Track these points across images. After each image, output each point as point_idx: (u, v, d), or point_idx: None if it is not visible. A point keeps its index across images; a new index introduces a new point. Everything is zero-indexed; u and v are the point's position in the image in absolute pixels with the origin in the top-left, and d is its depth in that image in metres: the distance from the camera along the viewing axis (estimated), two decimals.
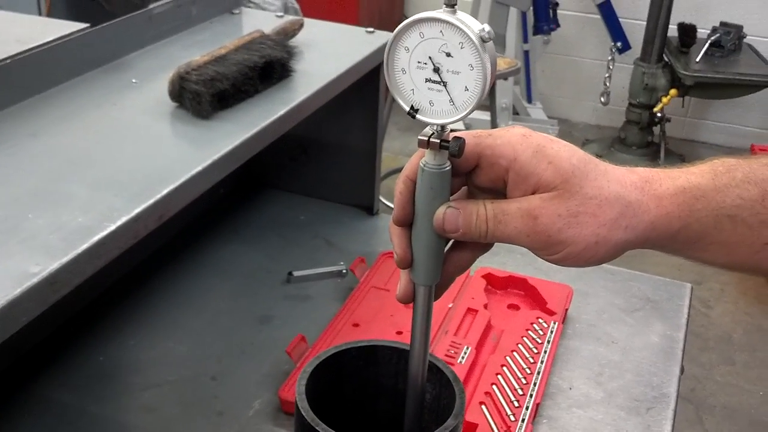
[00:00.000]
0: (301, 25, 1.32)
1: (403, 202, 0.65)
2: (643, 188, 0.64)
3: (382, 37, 1.37)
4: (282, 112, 1.09)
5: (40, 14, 2.43)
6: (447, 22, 0.59)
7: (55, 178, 0.88)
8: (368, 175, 1.51)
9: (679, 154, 4.01)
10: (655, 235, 0.64)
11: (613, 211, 0.62)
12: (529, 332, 1.18)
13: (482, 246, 0.68)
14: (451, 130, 0.63)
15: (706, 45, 3.72)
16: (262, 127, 1.05)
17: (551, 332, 1.19)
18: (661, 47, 3.74)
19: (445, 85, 0.61)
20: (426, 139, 0.63)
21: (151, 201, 0.86)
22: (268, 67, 1.14)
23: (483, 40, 0.59)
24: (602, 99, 3.94)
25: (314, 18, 1.41)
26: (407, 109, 0.63)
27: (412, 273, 0.67)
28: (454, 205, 0.64)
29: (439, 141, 0.62)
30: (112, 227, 0.81)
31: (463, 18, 0.60)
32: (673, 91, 3.69)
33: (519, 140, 0.64)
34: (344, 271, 1.33)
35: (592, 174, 0.63)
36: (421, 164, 0.64)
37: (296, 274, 1.32)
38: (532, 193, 0.63)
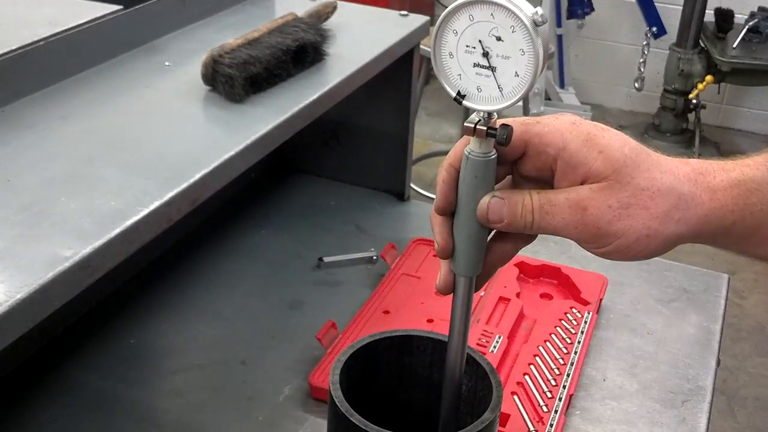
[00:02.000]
0: (334, 8, 1.31)
1: (446, 191, 0.64)
2: (697, 180, 0.62)
3: (416, 20, 1.36)
4: (315, 96, 1.08)
5: None
6: (498, 5, 0.57)
7: (87, 161, 0.88)
8: (399, 160, 1.50)
9: (715, 141, 3.95)
10: (708, 228, 0.62)
11: (666, 203, 0.60)
12: (563, 322, 1.17)
13: (526, 237, 0.66)
14: (497, 117, 0.62)
15: (744, 30, 3.65)
16: (295, 111, 1.04)
17: (585, 322, 1.17)
18: (697, 32, 3.67)
19: (494, 71, 0.59)
20: (472, 126, 0.61)
21: (183, 185, 0.85)
22: (301, 50, 1.13)
23: (536, 24, 0.57)
24: (636, 85, 3.89)
25: (347, 1, 1.40)
26: (453, 94, 0.61)
27: (452, 263, 0.66)
28: (499, 195, 0.62)
29: (485, 128, 0.60)
30: (145, 211, 0.80)
31: (515, 0, 0.58)
32: (709, 78, 3.63)
33: (568, 128, 0.62)
34: (375, 257, 1.32)
35: (644, 165, 0.61)
36: (466, 152, 0.62)
37: (327, 259, 1.31)
38: (581, 184, 0.61)
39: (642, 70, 3.85)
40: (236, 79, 1.02)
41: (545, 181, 0.64)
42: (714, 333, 1.21)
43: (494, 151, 0.62)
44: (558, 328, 1.15)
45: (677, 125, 3.87)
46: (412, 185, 1.59)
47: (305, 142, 1.51)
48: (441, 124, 4.05)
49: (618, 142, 0.61)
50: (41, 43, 1.00)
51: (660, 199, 0.60)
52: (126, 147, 0.92)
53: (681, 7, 3.69)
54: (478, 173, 0.62)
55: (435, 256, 1.32)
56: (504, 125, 0.61)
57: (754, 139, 4.15)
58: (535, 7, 0.58)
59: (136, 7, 1.15)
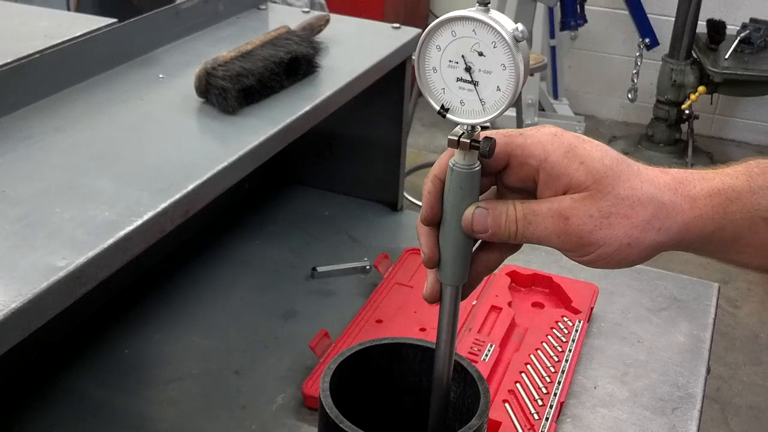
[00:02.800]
0: (327, 21, 1.32)
1: (432, 202, 0.65)
2: (677, 189, 0.63)
3: (408, 33, 1.37)
4: (307, 107, 1.09)
5: (68, 9, 2.44)
6: (480, 21, 0.59)
7: (81, 172, 0.89)
8: (393, 171, 1.51)
9: (708, 152, 3.97)
10: (689, 237, 0.63)
11: (646, 212, 0.62)
12: (554, 330, 1.18)
13: (511, 247, 0.67)
14: (481, 129, 0.63)
15: (736, 41, 3.68)
16: (288, 122, 1.05)
17: (576, 331, 1.18)
18: (689, 44, 3.70)
19: (476, 85, 0.61)
20: (456, 138, 0.62)
21: (177, 196, 0.86)
22: (294, 62, 1.14)
23: (516, 40, 0.58)
24: (629, 96, 3.91)
25: (340, 14, 1.41)
26: (437, 108, 0.62)
27: (439, 273, 0.67)
28: (483, 206, 0.64)
29: (469, 141, 0.62)
30: (139, 222, 0.81)
31: (496, 17, 0.59)
32: (701, 88, 3.65)
33: (550, 139, 0.63)
34: (368, 267, 1.33)
35: (624, 174, 0.62)
36: (450, 164, 0.63)
37: (320, 269, 1.32)
38: (563, 194, 0.62)
39: (635, 81, 3.88)
40: (229, 91, 1.04)
41: (529, 192, 0.65)
42: (704, 341, 1.22)
43: (478, 163, 0.63)
44: (549, 337, 1.16)
45: (670, 136, 3.89)
46: (406, 195, 1.61)
47: (299, 153, 1.53)
48: (435, 135, 4.06)
49: (598, 152, 0.62)
50: (37, 55, 1.01)
51: (640, 208, 0.62)
52: (120, 158, 0.93)
53: (673, 19, 3.72)
54: (463, 185, 0.63)
55: None
56: (487, 138, 0.62)
57: (747, 149, 4.17)
58: (526, 19, 0.59)
59: (131, 20, 1.16)
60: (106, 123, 1.01)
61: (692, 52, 3.74)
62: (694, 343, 1.21)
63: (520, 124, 3.31)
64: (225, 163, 0.94)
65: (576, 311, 1.22)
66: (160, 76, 1.14)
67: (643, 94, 3.97)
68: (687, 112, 3.73)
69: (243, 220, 1.47)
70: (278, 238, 1.43)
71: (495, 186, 0.67)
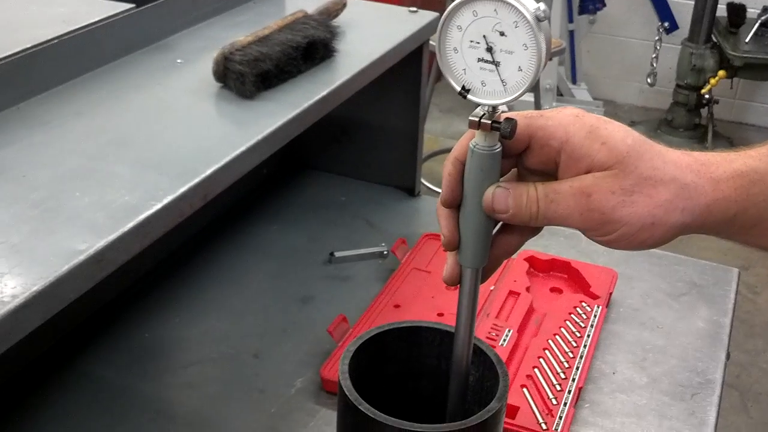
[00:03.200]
0: (344, 5, 1.31)
1: (452, 184, 0.65)
2: (699, 171, 0.63)
3: (425, 17, 1.36)
4: (325, 92, 1.09)
5: None
6: (502, 1, 0.58)
7: (100, 157, 0.89)
8: (410, 156, 1.51)
9: (727, 136, 3.94)
10: (711, 219, 0.63)
11: (669, 192, 0.61)
12: (572, 316, 1.17)
13: (531, 229, 0.67)
14: (502, 111, 0.62)
15: (756, 25, 3.64)
16: (305, 107, 1.05)
17: (594, 316, 1.18)
18: (709, 27, 3.66)
19: (497, 65, 0.60)
20: (477, 119, 0.62)
21: (196, 180, 0.86)
22: (311, 47, 1.14)
23: (538, 19, 0.58)
24: (649, 80, 3.88)
25: None
26: (458, 89, 0.62)
27: (459, 255, 0.67)
28: (503, 185, 0.63)
29: (490, 122, 0.61)
30: (158, 206, 0.81)
31: None
32: (721, 73, 3.62)
33: (571, 121, 0.62)
34: (385, 252, 1.33)
35: (647, 154, 0.61)
36: (471, 145, 0.63)
37: (337, 254, 1.33)
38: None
39: (654, 65, 3.84)
40: (247, 75, 1.04)
41: (550, 174, 0.64)
42: (724, 327, 1.21)
43: (499, 144, 0.63)
44: (567, 322, 1.16)
45: (690, 120, 3.85)
46: (423, 181, 1.60)
47: (316, 139, 1.52)
48: (452, 120, 4.05)
49: (621, 133, 0.62)
50: (55, 41, 1.02)
51: (662, 187, 0.61)
52: (139, 143, 0.94)
53: (693, 2, 3.68)
54: (484, 166, 0.63)
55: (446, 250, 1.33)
56: (508, 119, 0.61)
57: (767, 134, 4.13)
58: (539, 2, 0.59)
59: (149, 5, 1.16)
60: (124, 108, 1.01)
61: (712, 35, 3.70)
62: (713, 329, 1.20)
63: (538, 108, 3.29)
64: (243, 148, 0.94)
65: (595, 296, 1.22)
66: (178, 61, 1.14)
67: (662, 79, 3.94)
68: (707, 96, 3.70)
69: (260, 206, 1.47)
70: (296, 223, 1.44)
71: (516, 168, 0.67)
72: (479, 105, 0.62)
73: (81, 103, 1.00)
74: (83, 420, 1.01)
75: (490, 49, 0.60)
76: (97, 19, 1.08)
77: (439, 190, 0.66)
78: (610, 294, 1.24)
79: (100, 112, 0.99)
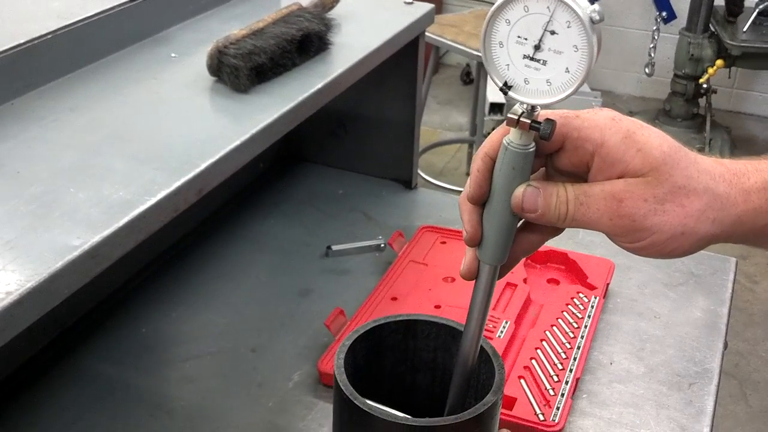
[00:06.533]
0: None
1: (480, 180, 0.63)
2: (732, 181, 0.62)
3: (421, 8, 1.36)
4: (320, 85, 1.09)
5: None
6: (557, 0, 0.57)
7: (95, 152, 0.89)
8: (407, 148, 1.50)
9: (726, 126, 3.93)
10: (742, 230, 0.62)
11: (701, 202, 0.60)
12: (570, 307, 1.17)
13: (553, 229, 0.66)
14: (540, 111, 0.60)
15: (754, 14, 3.62)
16: (300, 100, 1.05)
17: (592, 307, 1.18)
18: (707, 17, 3.65)
19: (544, 64, 0.59)
20: (515, 117, 0.60)
21: (190, 175, 0.86)
22: (306, 40, 1.13)
23: (593, 21, 0.56)
24: (647, 70, 3.87)
25: None
26: (500, 84, 0.60)
27: (479, 251, 0.66)
28: (534, 184, 0.62)
29: (529, 121, 0.60)
30: (153, 201, 0.81)
31: None
32: (719, 62, 3.61)
33: (608, 124, 0.61)
34: (382, 245, 1.33)
35: (682, 163, 0.61)
36: (505, 142, 0.61)
37: (335, 248, 1.33)
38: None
39: (652, 55, 3.83)
40: (241, 69, 1.03)
41: (579, 176, 0.63)
42: (721, 316, 1.21)
43: (533, 143, 0.61)
44: (565, 313, 1.16)
45: (688, 110, 3.85)
46: (421, 173, 1.60)
47: (313, 132, 1.52)
48: (450, 113, 4.04)
49: (657, 139, 0.61)
50: (49, 36, 1.01)
51: (695, 197, 0.60)
52: (133, 138, 0.93)
53: None
54: (516, 165, 0.62)
55: (443, 243, 1.33)
56: (548, 120, 0.60)
57: (766, 123, 4.13)
58: (593, 3, 0.58)
59: None
60: (119, 103, 1.01)
61: (710, 25, 3.69)
62: (711, 319, 1.20)
63: None
64: (238, 142, 0.94)
65: (592, 287, 1.22)
66: (173, 55, 1.13)
67: (660, 69, 3.93)
68: (705, 86, 3.69)
69: (257, 200, 1.47)
70: (293, 217, 1.43)
71: (544, 168, 0.66)
72: (518, 102, 0.60)
73: (75, 99, 1.00)
74: (82, 415, 1.01)
75: (537, 47, 0.58)
76: (92, 13, 1.08)
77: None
78: (608, 285, 1.24)
79: (94, 107, 0.99)
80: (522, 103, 0.60)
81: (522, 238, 0.66)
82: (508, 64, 0.60)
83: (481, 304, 0.68)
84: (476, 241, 0.65)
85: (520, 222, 0.66)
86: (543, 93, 0.59)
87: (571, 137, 0.62)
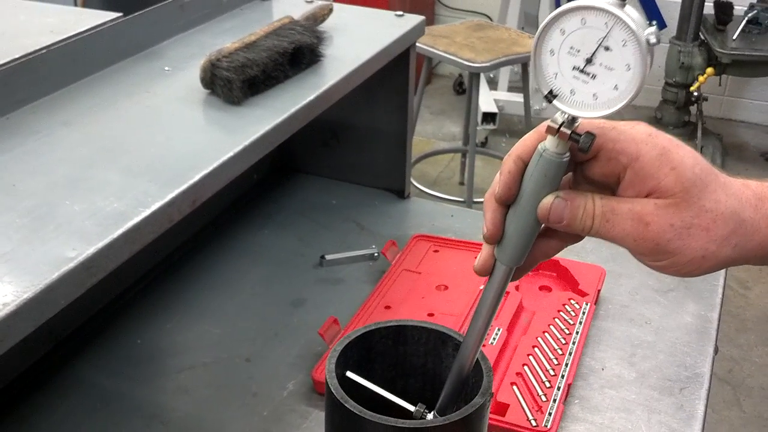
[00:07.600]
0: (331, 10, 1.33)
1: (510, 182, 0.64)
2: (757, 206, 0.63)
3: (411, 20, 1.38)
4: (312, 97, 1.10)
5: (75, 5, 2.46)
6: (616, 16, 0.57)
7: (89, 165, 0.90)
8: (399, 158, 1.52)
9: (717, 133, 3.96)
10: (761, 254, 0.63)
11: (727, 228, 0.61)
12: (561, 313, 1.18)
13: (575, 237, 0.66)
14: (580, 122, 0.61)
15: (743, 22, 3.66)
16: (293, 112, 1.06)
17: (583, 313, 1.19)
18: (697, 25, 3.68)
19: (593, 78, 0.59)
20: (556, 126, 0.60)
21: (184, 186, 0.87)
22: (298, 52, 1.15)
23: (649, 43, 0.57)
24: None
25: (346, 2, 1.42)
26: (545, 92, 0.61)
27: (497, 250, 0.66)
28: (562, 196, 0.62)
29: (569, 132, 0.60)
30: (147, 212, 0.82)
31: (631, 14, 0.57)
32: (709, 70, 3.64)
33: (644, 139, 0.62)
34: (376, 254, 1.34)
35: (712, 185, 0.61)
36: (540, 148, 0.62)
37: (328, 257, 1.34)
38: (646, 196, 0.61)
39: None
40: (234, 82, 1.05)
41: (608, 187, 0.64)
42: (712, 321, 1.22)
43: (568, 153, 0.62)
44: (556, 319, 1.17)
45: (679, 118, 3.87)
46: (414, 183, 1.61)
47: (306, 143, 1.54)
48: (443, 123, 4.06)
49: (691, 160, 0.61)
50: (43, 51, 1.03)
51: (722, 222, 0.61)
52: (127, 150, 0.94)
53: (680, 1, 3.70)
54: (549, 173, 0.62)
55: (436, 251, 1.34)
56: (588, 133, 0.60)
57: (757, 130, 4.15)
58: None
59: (136, 14, 1.17)
60: (112, 116, 1.02)
61: (700, 33, 3.72)
62: (701, 324, 1.21)
63: (527, 109, 3.31)
64: (231, 153, 0.95)
65: (583, 294, 1.23)
66: (166, 68, 1.15)
67: (651, 77, 3.90)
68: (696, 94, 3.71)
69: (251, 211, 1.48)
70: (286, 227, 1.44)
71: (571, 173, 0.66)
72: (559, 111, 0.61)
73: (70, 113, 1.01)
74: (77, 425, 1.02)
75: (589, 60, 0.58)
76: (85, 28, 1.09)
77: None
78: (599, 291, 1.25)
79: (88, 120, 1.00)
80: (564, 113, 0.61)
81: (542, 243, 0.67)
82: (556, 73, 0.60)
83: (491, 301, 0.68)
84: (495, 240, 0.65)
85: (542, 226, 0.66)
86: (587, 106, 0.60)
87: (606, 148, 0.62)
